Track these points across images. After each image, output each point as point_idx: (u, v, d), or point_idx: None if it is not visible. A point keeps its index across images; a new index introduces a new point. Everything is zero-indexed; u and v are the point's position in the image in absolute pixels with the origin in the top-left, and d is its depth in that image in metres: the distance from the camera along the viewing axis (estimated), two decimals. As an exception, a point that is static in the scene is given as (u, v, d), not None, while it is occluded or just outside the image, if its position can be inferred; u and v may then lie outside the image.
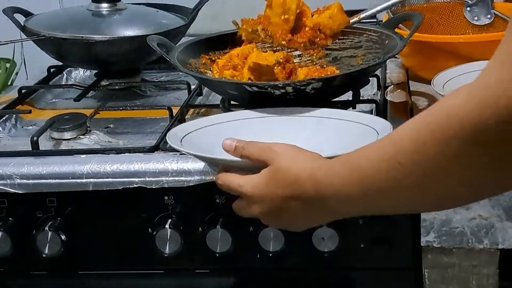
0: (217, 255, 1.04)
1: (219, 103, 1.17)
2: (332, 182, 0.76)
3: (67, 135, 1.18)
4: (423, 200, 0.70)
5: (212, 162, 0.97)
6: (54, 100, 1.43)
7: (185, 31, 1.46)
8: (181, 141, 0.97)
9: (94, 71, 1.48)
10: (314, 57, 1.32)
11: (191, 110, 1.26)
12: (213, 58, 1.27)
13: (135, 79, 1.45)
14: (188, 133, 1.01)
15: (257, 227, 1.03)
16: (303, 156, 0.82)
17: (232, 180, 0.88)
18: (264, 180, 0.84)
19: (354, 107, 1.13)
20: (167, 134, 1.00)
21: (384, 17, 1.39)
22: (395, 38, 1.19)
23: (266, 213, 0.86)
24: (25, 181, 1.05)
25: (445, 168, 0.64)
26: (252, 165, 0.86)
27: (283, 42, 1.16)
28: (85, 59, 1.41)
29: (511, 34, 0.60)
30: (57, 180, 1.05)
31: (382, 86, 1.28)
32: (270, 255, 1.03)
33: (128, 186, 1.03)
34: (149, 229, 1.06)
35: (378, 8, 1.22)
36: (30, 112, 1.28)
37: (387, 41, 1.22)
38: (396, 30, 1.24)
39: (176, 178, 1.02)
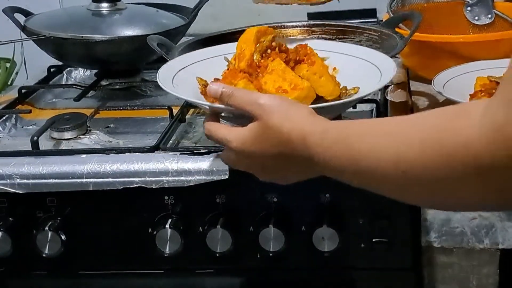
0: (217, 255, 1.04)
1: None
2: (325, 156, 0.74)
3: (67, 135, 1.18)
4: (419, 201, 0.71)
5: (200, 107, 0.94)
6: (54, 100, 1.43)
7: (185, 31, 1.46)
8: (172, 81, 0.95)
9: (94, 71, 1.48)
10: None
11: (191, 110, 1.26)
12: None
13: (135, 79, 1.45)
14: (180, 70, 0.98)
15: (258, 227, 1.03)
16: (294, 113, 0.80)
17: (219, 132, 0.86)
18: (253, 136, 0.82)
19: (354, 107, 1.13)
20: (158, 74, 0.98)
21: (384, 16, 1.39)
22: (395, 38, 1.19)
23: (254, 168, 0.86)
24: (25, 181, 1.05)
25: (449, 188, 0.63)
26: (240, 113, 0.84)
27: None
28: (85, 59, 1.41)
29: None
30: (57, 180, 1.05)
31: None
32: (270, 255, 1.03)
33: (128, 186, 1.03)
34: (149, 229, 1.06)
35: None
36: (30, 112, 1.28)
37: (387, 41, 1.22)
38: (396, 29, 1.24)
39: (176, 178, 1.02)
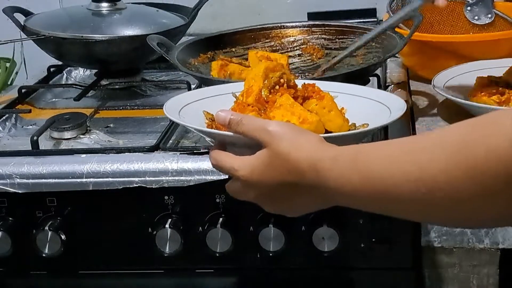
0: (217, 254, 1.04)
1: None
2: (336, 182, 0.71)
3: (67, 134, 1.18)
4: (443, 220, 0.68)
5: (207, 136, 0.92)
6: (54, 99, 1.43)
7: (185, 30, 1.46)
8: (179, 113, 0.94)
9: (94, 71, 1.48)
10: (314, 56, 1.33)
11: (191, 110, 1.26)
12: (214, 57, 1.28)
13: (135, 78, 1.45)
14: (187, 105, 0.97)
15: (258, 227, 1.03)
16: (303, 140, 0.77)
17: (227, 161, 0.83)
18: (261, 164, 0.79)
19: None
20: (165, 106, 0.97)
21: (384, 16, 1.39)
22: (395, 38, 1.19)
23: (261, 198, 0.82)
24: (25, 180, 1.05)
25: (478, 205, 0.61)
26: (248, 141, 0.81)
27: None
28: (85, 59, 1.41)
29: None
30: (57, 180, 1.05)
31: (382, 86, 1.28)
32: (271, 255, 1.03)
33: (128, 186, 1.03)
34: (149, 229, 1.06)
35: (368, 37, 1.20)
36: (30, 111, 1.28)
37: (387, 41, 1.22)
38: (397, 29, 1.24)
39: (176, 178, 1.02)
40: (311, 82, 0.99)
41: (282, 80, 0.96)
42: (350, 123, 0.95)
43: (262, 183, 0.79)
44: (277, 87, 0.95)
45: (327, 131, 0.91)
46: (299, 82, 0.98)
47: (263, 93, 0.94)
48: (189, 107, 0.97)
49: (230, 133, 0.83)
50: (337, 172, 0.71)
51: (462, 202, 0.61)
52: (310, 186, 0.74)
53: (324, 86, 0.98)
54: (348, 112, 0.97)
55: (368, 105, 0.98)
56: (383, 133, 1.06)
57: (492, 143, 0.58)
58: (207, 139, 0.93)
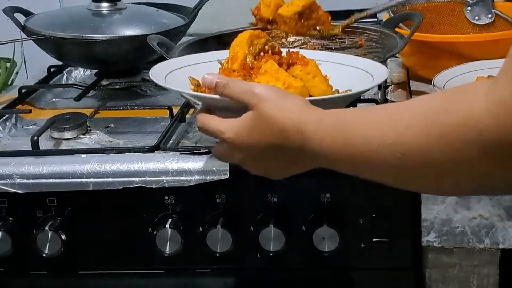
0: (217, 255, 1.04)
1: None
2: (321, 143, 0.73)
3: (67, 134, 1.18)
4: (417, 186, 0.70)
5: (193, 98, 0.92)
6: (54, 99, 1.43)
7: (185, 30, 1.46)
8: (165, 78, 0.95)
9: (94, 71, 1.48)
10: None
11: (192, 110, 1.26)
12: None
13: (135, 78, 1.45)
14: (172, 71, 0.98)
15: (258, 227, 1.03)
16: (289, 103, 0.78)
17: (213, 124, 0.84)
18: (247, 127, 0.80)
19: (354, 106, 1.13)
20: (151, 71, 0.97)
21: (384, 16, 1.39)
22: (396, 38, 1.19)
23: (247, 160, 0.84)
24: (25, 180, 1.05)
25: (451, 170, 0.62)
26: (235, 104, 0.82)
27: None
28: (85, 59, 1.41)
29: None
30: (57, 180, 1.05)
31: (382, 86, 1.27)
32: (271, 255, 1.03)
33: (128, 186, 1.03)
34: (150, 229, 1.06)
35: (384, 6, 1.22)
36: (30, 111, 1.28)
37: (387, 41, 1.22)
38: (397, 29, 1.24)
39: (177, 178, 1.02)
40: (295, 50, 1.00)
41: (266, 47, 0.97)
42: (333, 89, 0.96)
43: (248, 145, 0.80)
44: (262, 53, 0.97)
45: (311, 97, 0.92)
46: (283, 50, 1.00)
47: (248, 59, 0.95)
48: (175, 74, 0.98)
49: (217, 96, 0.84)
50: (321, 134, 0.73)
51: (436, 168, 0.62)
52: (295, 148, 0.76)
53: (307, 54, 1.00)
54: (332, 79, 0.99)
55: (351, 73, 1.00)
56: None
57: (466, 112, 0.59)
58: (193, 103, 0.93)
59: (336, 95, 0.94)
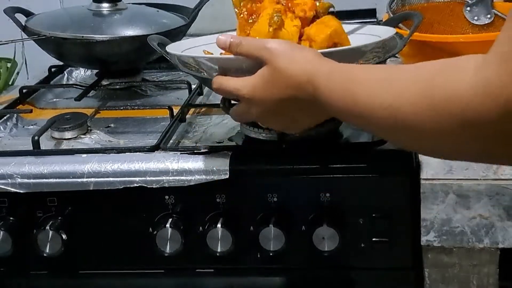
0: (217, 254, 1.04)
1: (219, 102, 1.17)
2: (330, 97, 0.76)
3: (68, 134, 1.18)
4: (409, 146, 0.75)
5: (209, 62, 0.94)
6: (55, 99, 1.43)
7: (185, 31, 1.47)
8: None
9: (94, 71, 1.49)
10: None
11: (192, 110, 1.26)
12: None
13: (136, 78, 1.45)
14: (187, 49, 1.02)
15: (258, 227, 1.03)
16: (300, 55, 0.81)
17: (229, 84, 0.86)
18: (262, 81, 0.82)
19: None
20: (167, 47, 1.01)
21: (384, 16, 1.39)
22: (395, 38, 1.19)
23: (264, 115, 0.86)
24: (26, 180, 1.05)
25: (436, 138, 0.65)
26: (249, 63, 0.85)
27: None
28: (86, 59, 1.41)
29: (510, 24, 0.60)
30: (57, 180, 1.05)
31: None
32: (271, 254, 1.03)
33: (128, 186, 1.03)
34: (150, 229, 1.06)
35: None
36: (31, 111, 1.28)
37: (387, 41, 1.22)
38: (396, 29, 1.24)
39: (177, 178, 1.02)
40: None
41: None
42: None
43: (264, 99, 0.83)
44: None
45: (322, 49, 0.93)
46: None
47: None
48: (189, 51, 1.01)
49: (231, 56, 0.86)
50: (330, 88, 0.76)
51: (424, 134, 0.66)
52: (308, 99, 0.79)
53: None
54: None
55: (362, 39, 1.03)
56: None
57: (453, 87, 0.62)
58: (208, 71, 0.95)
59: (346, 47, 0.95)
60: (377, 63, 1.16)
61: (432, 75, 0.66)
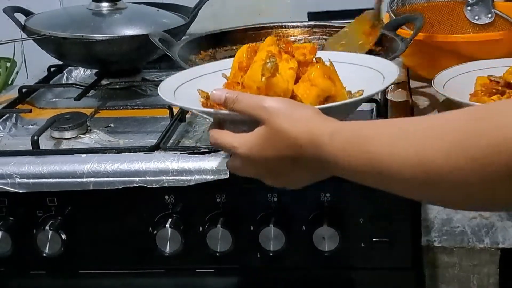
0: (217, 254, 1.04)
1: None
2: (336, 154, 0.72)
3: (67, 134, 1.18)
4: (440, 200, 0.69)
5: (204, 114, 0.92)
6: (54, 99, 1.43)
7: (185, 30, 1.46)
8: (174, 94, 0.94)
9: (94, 71, 1.49)
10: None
11: (192, 110, 1.26)
12: (215, 55, 1.28)
13: (136, 78, 1.45)
14: (182, 84, 0.97)
15: (258, 227, 1.03)
16: (300, 114, 0.78)
17: (226, 140, 0.84)
18: (260, 141, 0.80)
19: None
20: (159, 87, 0.96)
21: (385, 16, 1.39)
22: (397, 40, 1.20)
23: (262, 173, 0.84)
24: (25, 180, 1.05)
25: (474, 192, 0.62)
26: (245, 118, 0.82)
27: None
28: (86, 59, 1.41)
29: None
30: (57, 180, 1.05)
31: (382, 86, 1.28)
32: (271, 254, 1.03)
33: (128, 186, 1.03)
34: (150, 229, 1.06)
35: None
36: (30, 111, 1.28)
37: (388, 43, 1.22)
38: (398, 32, 1.24)
39: (177, 178, 1.02)
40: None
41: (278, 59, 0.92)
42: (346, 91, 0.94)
43: (262, 159, 0.80)
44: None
45: (321, 105, 0.90)
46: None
47: (263, 79, 0.91)
48: (183, 87, 0.97)
49: (227, 112, 0.84)
50: (336, 147, 0.73)
51: (460, 188, 0.62)
52: (310, 159, 0.76)
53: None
54: (342, 79, 0.96)
55: (360, 72, 0.98)
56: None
57: (496, 135, 0.58)
58: (204, 116, 0.93)
59: (349, 100, 0.91)
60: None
61: (465, 125, 0.61)
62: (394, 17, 1.33)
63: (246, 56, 0.94)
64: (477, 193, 0.61)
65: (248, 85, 0.90)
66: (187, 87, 0.97)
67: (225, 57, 1.29)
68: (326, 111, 0.79)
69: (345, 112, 0.80)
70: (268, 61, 0.88)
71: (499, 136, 0.58)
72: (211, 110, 0.87)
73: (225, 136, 0.84)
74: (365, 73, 0.97)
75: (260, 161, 0.81)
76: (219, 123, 0.87)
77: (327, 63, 0.93)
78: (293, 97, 0.88)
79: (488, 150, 0.59)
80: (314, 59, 0.93)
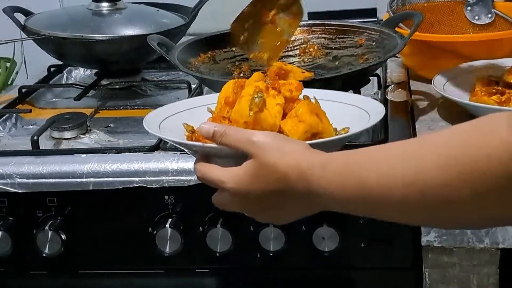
0: (217, 254, 1.04)
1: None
2: (328, 188, 0.71)
3: (67, 134, 1.18)
4: (439, 222, 0.68)
5: (191, 148, 0.90)
6: (54, 99, 1.43)
7: (185, 30, 1.46)
8: (159, 127, 0.93)
9: (94, 71, 1.48)
10: (313, 54, 1.32)
11: (191, 110, 1.26)
12: (214, 57, 1.28)
13: (135, 78, 1.45)
14: (167, 117, 0.96)
15: (258, 227, 1.03)
16: (289, 148, 0.77)
17: (212, 174, 0.82)
18: (248, 176, 0.78)
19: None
20: (144, 120, 0.96)
21: (384, 16, 1.39)
22: (396, 37, 1.19)
23: (250, 208, 0.82)
24: (25, 180, 1.05)
25: (469, 208, 0.61)
26: (233, 152, 0.81)
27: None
28: (85, 59, 1.41)
29: None
30: (57, 180, 1.05)
31: (382, 86, 1.28)
32: (271, 254, 1.03)
33: (128, 186, 1.03)
34: (150, 229, 1.06)
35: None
36: (30, 111, 1.28)
37: (387, 40, 1.22)
38: (397, 29, 1.24)
39: (177, 178, 1.02)
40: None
41: (265, 95, 0.91)
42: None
43: (250, 193, 0.78)
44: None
45: (310, 141, 0.87)
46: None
47: (251, 114, 0.91)
48: (169, 120, 0.96)
49: (214, 145, 0.82)
50: (328, 178, 0.71)
51: (456, 205, 0.61)
52: (299, 193, 0.74)
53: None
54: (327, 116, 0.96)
55: (345, 109, 0.97)
56: (383, 132, 1.06)
57: (488, 148, 0.59)
58: (187, 151, 0.91)
59: (337, 137, 0.91)
60: (377, 63, 1.17)
61: (459, 142, 0.62)
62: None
63: (232, 91, 0.93)
64: (469, 209, 0.62)
65: (235, 119, 0.89)
66: (173, 120, 0.96)
67: (225, 59, 1.29)
68: (314, 147, 0.78)
69: (332, 148, 0.79)
70: (256, 96, 0.88)
71: (489, 151, 0.59)
72: (199, 144, 0.86)
73: (213, 170, 0.82)
74: (351, 111, 0.97)
75: (248, 195, 0.79)
76: (206, 157, 0.85)
77: (313, 101, 0.93)
78: (281, 132, 0.88)
79: (480, 165, 0.59)
80: (301, 95, 0.93)
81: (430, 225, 0.71)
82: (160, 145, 1.09)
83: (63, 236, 1.06)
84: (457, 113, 1.14)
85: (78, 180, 1.04)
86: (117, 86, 1.43)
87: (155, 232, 1.04)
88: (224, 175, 0.80)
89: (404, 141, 0.70)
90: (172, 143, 0.93)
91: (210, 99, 1.00)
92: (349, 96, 1.02)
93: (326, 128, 0.91)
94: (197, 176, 0.84)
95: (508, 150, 0.57)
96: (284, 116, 0.91)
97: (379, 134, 1.06)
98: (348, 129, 0.92)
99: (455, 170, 0.60)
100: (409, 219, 0.69)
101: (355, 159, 0.71)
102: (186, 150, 0.91)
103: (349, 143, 0.95)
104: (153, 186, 1.03)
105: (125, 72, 1.45)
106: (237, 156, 0.80)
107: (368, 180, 0.67)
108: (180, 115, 0.97)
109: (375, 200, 0.67)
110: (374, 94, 1.28)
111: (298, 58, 1.32)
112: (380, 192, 0.66)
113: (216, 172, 0.81)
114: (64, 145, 1.16)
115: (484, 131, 0.60)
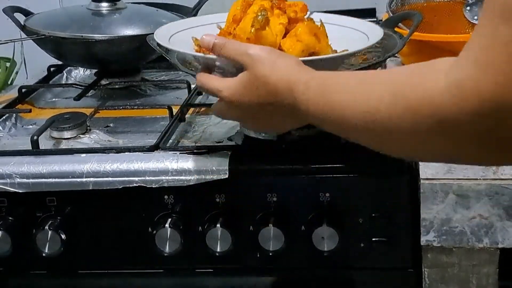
0: (217, 254, 1.04)
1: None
2: (307, 105, 0.77)
3: (67, 134, 1.18)
4: (389, 150, 0.73)
5: (192, 58, 0.96)
6: (54, 99, 1.43)
7: (185, 30, 1.46)
8: (169, 40, 0.98)
9: (94, 70, 1.49)
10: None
11: (191, 109, 1.26)
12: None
13: (135, 78, 1.45)
14: (176, 33, 1.01)
15: (257, 227, 1.03)
16: (282, 63, 0.82)
17: (211, 83, 0.88)
18: (242, 86, 0.84)
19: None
20: (155, 32, 1.01)
21: (384, 16, 1.39)
22: (395, 37, 1.19)
23: (243, 117, 0.89)
24: (25, 180, 1.05)
25: (416, 141, 0.65)
26: (232, 64, 0.86)
27: None
28: (85, 58, 1.41)
29: (485, 22, 0.59)
30: (57, 179, 1.05)
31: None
32: (270, 254, 1.03)
33: (128, 185, 1.03)
34: (149, 228, 1.06)
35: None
36: (30, 111, 1.28)
37: (386, 40, 1.22)
38: (396, 29, 1.24)
39: (176, 177, 1.02)
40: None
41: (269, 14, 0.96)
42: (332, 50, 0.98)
43: (244, 103, 0.85)
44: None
45: (304, 57, 0.93)
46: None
47: (252, 30, 0.95)
48: (178, 35, 1.01)
49: (214, 56, 0.88)
50: (308, 96, 0.77)
51: (403, 135, 0.66)
52: (287, 106, 0.80)
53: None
54: (331, 39, 1.00)
55: (347, 33, 1.02)
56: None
57: (427, 89, 0.62)
58: (195, 63, 0.96)
59: (327, 56, 0.95)
60: (376, 63, 1.17)
61: (407, 77, 0.67)
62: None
63: (240, 9, 0.98)
64: (413, 142, 0.66)
65: (239, 36, 0.94)
66: (182, 35, 1.01)
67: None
68: (309, 64, 0.83)
69: (328, 67, 0.84)
70: (259, 14, 0.93)
71: (427, 88, 0.62)
72: (200, 54, 0.91)
73: (211, 80, 0.89)
74: (350, 34, 1.03)
75: (241, 105, 0.85)
76: (208, 68, 0.91)
77: (318, 24, 0.97)
78: (280, 50, 0.92)
79: (417, 100, 0.63)
80: (305, 17, 0.98)
81: (385, 151, 0.76)
82: (160, 145, 1.09)
83: (63, 236, 1.06)
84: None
85: (78, 180, 1.04)
86: (117, 86, 1.43)
87: (154, 231, 1.04)
88: (220, 84, 0.87)
89: (370, 72, 0.78)
90: (177, 53, 0.98)
91: (222, 18, 1.04)
92: (354, 21, 1.07)
93: (323, 48, 0.97)
94: (197, 85, 0.91)
95: (442, 93, 0.61)
96: (286, 35, 0.96)
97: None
98: (347, 51, 0.96)
99: (398, 107, 0.65)
100: (367, 144, 0.74)
101: (330, 83, 0.76)
102: (193, 68, 0.97)
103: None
104: (153, 186, 1.03)
105: (124, 72, 1.45)
106: (236, 69, 0.85)
107: (334, 104, 0.73)
108: (190, 31, 1.03)
109: (340, 122, 0.73)
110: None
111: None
112: (343, 116, 0.72)
113: (214, 82, 0.88)
114: (63, 145, 1.16)
115: (428, 74, 0.64)
